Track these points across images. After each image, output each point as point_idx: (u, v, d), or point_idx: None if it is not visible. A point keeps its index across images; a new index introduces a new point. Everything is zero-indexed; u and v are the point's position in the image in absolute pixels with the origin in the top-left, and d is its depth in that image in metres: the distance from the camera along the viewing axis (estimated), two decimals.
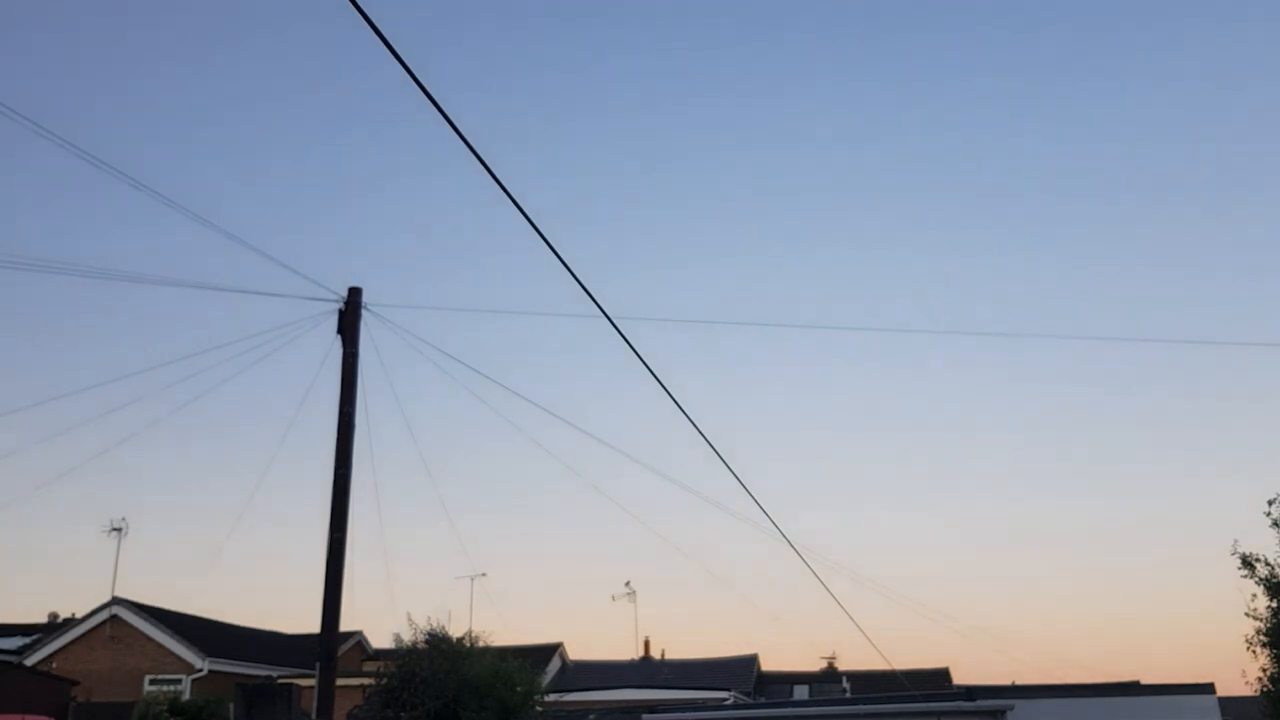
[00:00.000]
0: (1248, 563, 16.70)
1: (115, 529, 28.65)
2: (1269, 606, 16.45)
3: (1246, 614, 16.70)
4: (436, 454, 59.48)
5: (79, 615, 29.27)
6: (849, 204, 49.61)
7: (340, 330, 14.32)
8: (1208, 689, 22.74)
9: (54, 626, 30.82)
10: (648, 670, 35.12)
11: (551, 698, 24.37)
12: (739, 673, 34.36)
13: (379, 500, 18.04)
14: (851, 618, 18.17)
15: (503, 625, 58.77)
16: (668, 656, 37.32)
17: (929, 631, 63.56)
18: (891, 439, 51.49)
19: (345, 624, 13.95)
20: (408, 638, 19.34)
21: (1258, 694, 16.99)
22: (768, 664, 37.11)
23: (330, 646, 13.50)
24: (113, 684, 26.22)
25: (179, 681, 26.67)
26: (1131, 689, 23.77)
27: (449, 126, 6.02)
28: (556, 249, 7.39)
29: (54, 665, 27.12)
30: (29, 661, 27.06)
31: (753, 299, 47.95)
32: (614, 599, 35.93)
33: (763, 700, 31.44)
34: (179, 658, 27.33)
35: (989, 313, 46.08)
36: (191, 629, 28.60)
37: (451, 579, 34.27)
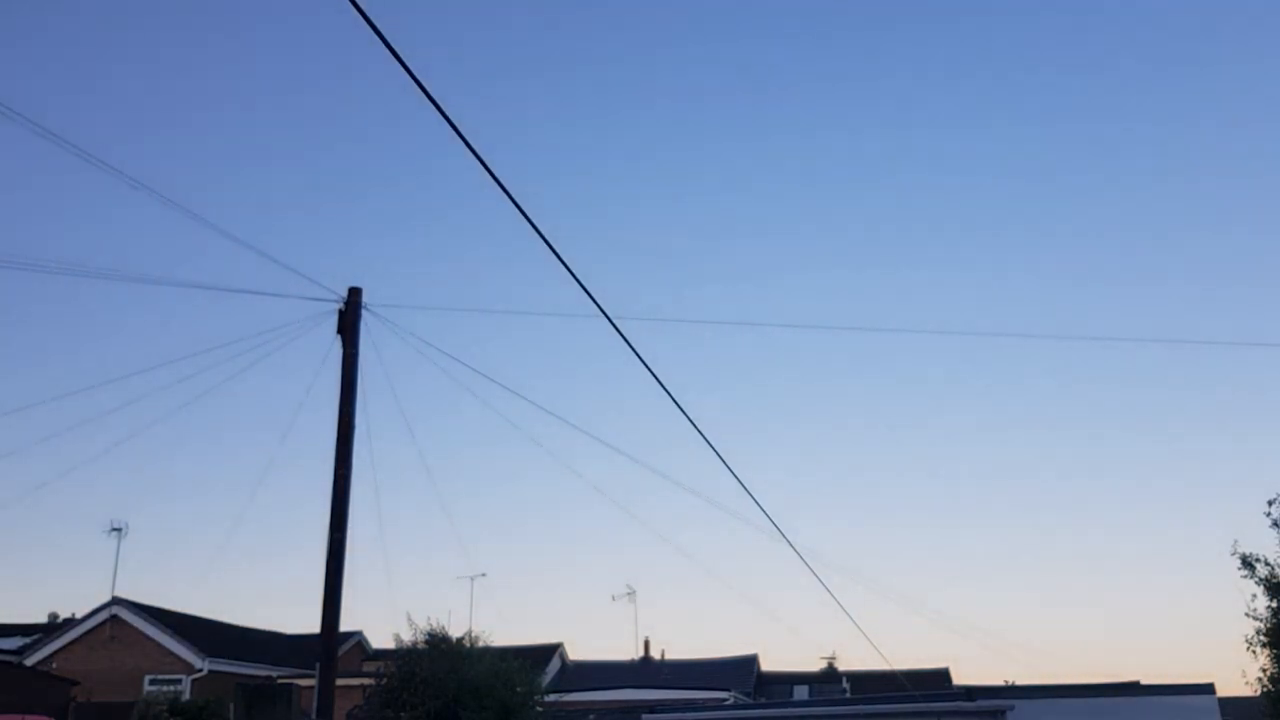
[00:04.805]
0: (1248, 563, 16.71)
1: (115, 529, 28.64)
2: (1269, 606, 16.45)
3: (1246, 614, 16.72)
4: (436, 454, 59.55)
5: (79, 615, 29.27)
6: (849, 205, 49.63)
7: (340, 330, 14.31)
8: (1208, 689, 22.74)
9: (54, 626, 30.81)
10: (648, 670, 35.10)
11: (551, 698, 24.36)
12: (739, 673, 34.34)
13: (379, 500, 18.05)
14: (851, 618, 18.20)
15: (503, 625, 58.79)
16: (668, 656, 37.30)
17: (929, 631, 63.65)
18: (892, 439, 51.53)
19: (345, 624, 13.95)
20: (408, 638, 19.35)
21: (1258, 694, 16.99)
22: (768, 664, 37.10)
23: (330, 646, 13.50)
24: (113, 684, 26.20)
25: (179, 681, 26.65)
26: (1131, 689, 23.78)
27: (449, 126, 6.02)
28: (556, 249, 7.40)
29: (54, 665, 27.11)
30: (29, 661, 27.05)
31: (753, 299, 47.99)
32: (614, 599, 35.92)
33: (763, 700, 31.43)
34: (179, 658, 27.32)
35: (988, 313, 46.11)
36: (191, 629, 28.58)
37: (451, 579, 34.30)
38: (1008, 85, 46.14)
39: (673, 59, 48.68)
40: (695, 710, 26.35)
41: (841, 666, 36.95)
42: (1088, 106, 46.23)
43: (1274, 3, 41.38)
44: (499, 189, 6.59)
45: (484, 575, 30.20)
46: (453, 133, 6.05)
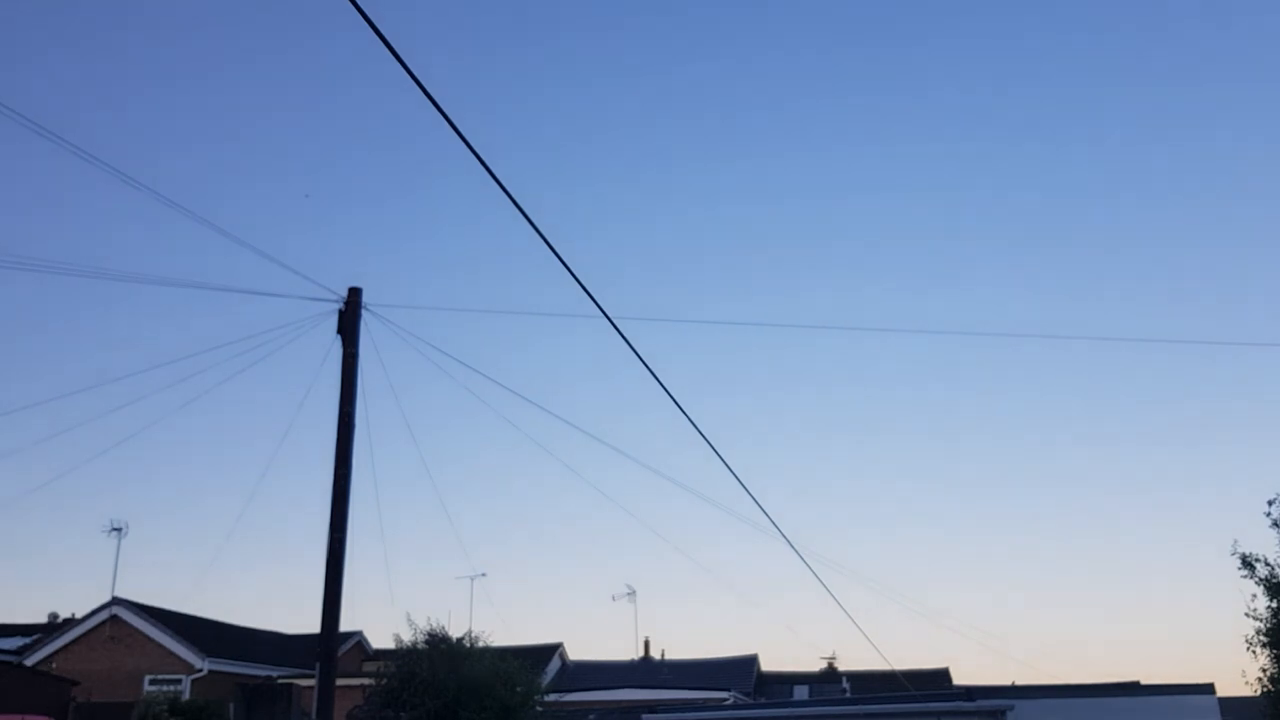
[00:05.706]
0: (1248, 563, 16.69)
1: (115, 529, 28.63)
2: (1269, 606, 16.44)
3: (1246, 614, 16.70)
4: (436, 454, 59.52)
5: (79, 615, 29.27)
6: (849, 205, 49.64)
7: (340, 330, 14.32)
8: (1208, 689, 22.70)
9: (54, 626, 30.80)
10: (648, 670, 35.06)
11: (551, 698, 24.37)
12: (739, 673, 34.30)
13: (379, 500, 18.07)
14: (851, 618, 18.23)
15: (503, 625, 58.77)
16: (668, 656, 37.27)
17: (929, 631, 63.59)
18: (891, 438, 51.51)
19: (345, 624, 13.95)
20: (408, 638, 19.37)
21: (1258, 694, 16.97)
22: (768, 664, 37.06)
23: (330, 646, 13.50)
24: (113, 684, 26.20)
25: (179, 682, 26.65)
26: (1131, 689, 23.74)
27: (449, 127, 6.02)
28: (556, 249, 7.40)
29: (54, 665, 27.10)
30: (29, 661, 27.05)
31: (754, 299, 47.99)
32: (614, 599, 35.90)
33: (763, 700, 31.40)
34: (179, 658, 27.31)
35: (987, 313, 46.11)
36: (191, 629, 28.58)
37: (451, 579, 34.35)
38: (1008, 81, 46.18)
39: (673, 58, 48.73)
40: (695, 710, 26.30)
41: (841, 666, 36.93)
42: (1086, 105, 46.27)
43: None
44: (499, 189, 6.59)
45: (484, 575, 30.24)
46: (453, 133, 6.06)
